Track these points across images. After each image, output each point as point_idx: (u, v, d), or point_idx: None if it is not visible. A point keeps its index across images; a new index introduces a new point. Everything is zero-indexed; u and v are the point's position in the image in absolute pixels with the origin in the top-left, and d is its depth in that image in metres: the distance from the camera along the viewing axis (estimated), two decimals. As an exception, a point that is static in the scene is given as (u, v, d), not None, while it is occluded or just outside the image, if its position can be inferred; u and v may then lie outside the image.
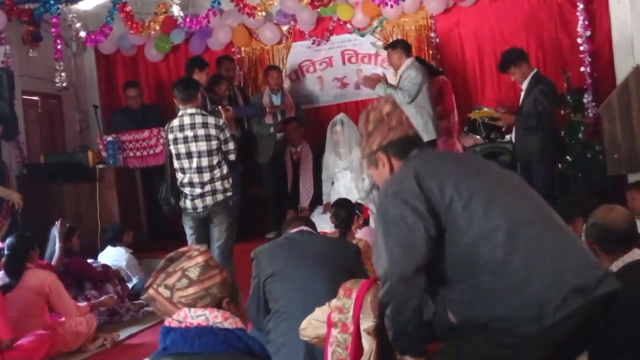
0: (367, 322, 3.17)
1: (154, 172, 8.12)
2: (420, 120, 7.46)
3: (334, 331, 3.31)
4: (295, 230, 4.59)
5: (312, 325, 3.50)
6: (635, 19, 6.73)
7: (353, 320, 3.23)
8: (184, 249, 2.40)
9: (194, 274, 2.26)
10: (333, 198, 7.94)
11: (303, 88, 9.65)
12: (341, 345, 3.28)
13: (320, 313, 3.46)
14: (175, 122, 6.21)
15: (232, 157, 6.37)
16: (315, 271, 4.20)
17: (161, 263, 2.35)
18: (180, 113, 6.23)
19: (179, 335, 2.20)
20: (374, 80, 7.72)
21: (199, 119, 6.15)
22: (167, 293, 2.28)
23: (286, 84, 9.49)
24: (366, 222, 7.16)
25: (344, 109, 9.28)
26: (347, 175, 8.23)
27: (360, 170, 8.18)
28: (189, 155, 6.17)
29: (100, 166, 8.28)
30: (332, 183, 8.37)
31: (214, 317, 2.22)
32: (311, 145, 8.85)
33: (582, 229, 4.91)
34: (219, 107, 6.91)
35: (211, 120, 6.20)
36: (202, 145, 6.15)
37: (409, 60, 7.70)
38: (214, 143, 6.17)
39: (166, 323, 2.26)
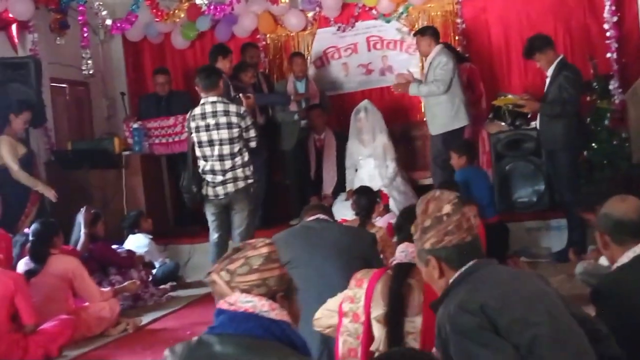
0: (378, 310, 3.18)
1: (180, 159, 8.16)
2: (452, 107, 7.45)
3: (345, 320, 3.32)
4: (312, 218, 4.61)
5: (325, 316, 3.52)
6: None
7: (364, 310, 3.24)
8: (251, 240, 2.49)
9: (256, 262, 2.34)
10: (356, 185, 7.94)
11: (328, 75, 9.64)
12: (352, 334, 3.29)
13: (332, 303, 3.48)
14: (197, 110, 6.25)
15: (253, 144, 6.40)
16: (330, 260, 4.22)
17: (228, 252, 2.43)
18: (202, 101, 6.26)
19: (227, 318, 2.27)
20: (405, 85, 7.68)
21: (220, 107, 6.19)
22: (227, 277, 2.36)
23: (311, 70, 9.49)
24: (387, 209, 7.17)
25: (368, 95, 9.26)
26: (370, 163, 8.23)
27: (383, 158, 8.19)
28: (210, 143, 6.21)
29: (127, 153, 8.36)
30: (356, 170, 8.37)
31: (262, 306, 2.27)
32: (335, 132, 8.86)
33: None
34: (240, 95, 6.91)
35: (232, 108, 6.23)
36: (224, 133, 6.18)
37: (438, 47, 7.65)
38: (236, 131, 6.20)
39: (219, 305, 2.33)
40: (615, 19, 7.26)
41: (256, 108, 8.38)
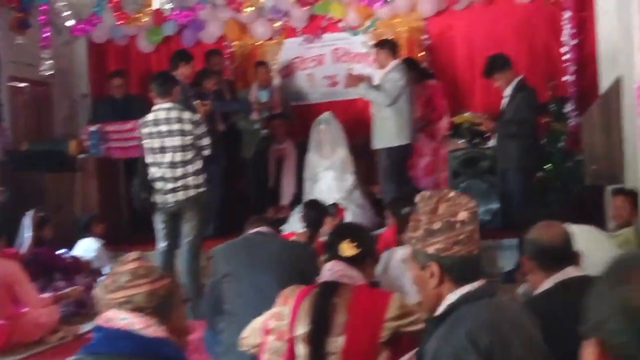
0: (302, 329, 3.15)
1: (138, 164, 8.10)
2: (395, 124, 7.48)
3: (270, 338, 3.29)
4: (253, 230, 4.58)
5: (251, 335, 3.48)
6: (621, 30, 6.66)
7: (289, 328, 3.21)
8: (124, 256, 2.44)
9: (122, 279, 2.30)
10: (315, 197, 7.92)
11: (293, 85, 9.63)
12: (276, 353, 3.25)
13: (258, 321, 3.44)
14: (150, 117, 6.19)
15: (206, 152, 6.35)
16: (269, 274, 4.18)
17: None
18: (156, 107, 6.21)
19: (103, 335, 2.25)
20: (356, 79, 7.70)
21: (174, 114, 6.13)
22: (101, 293, 2.33)
23: (276, 80, 9.46)
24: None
25: (332, 107, 9.22)
26: (329, 175, 8.19)
27: (342, 170, 8.16)
28: (162, 149, 6.15)
29: (83, 156, 8.26)
30: (315, 182, 8.34)
31: (137, 323, 2.24)
32: (298, 143, 8.82)
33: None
34: (197, 102, 6.87)
35: (187, 115, 6.18)
36: (177, 140, 6.13)
37: (395, 62, 7.67)
38: (188, 138, 6.15)
39: (97, 321, 2.30)
40: (574, 42, 7.30)
41: (217, 115, 8.35)
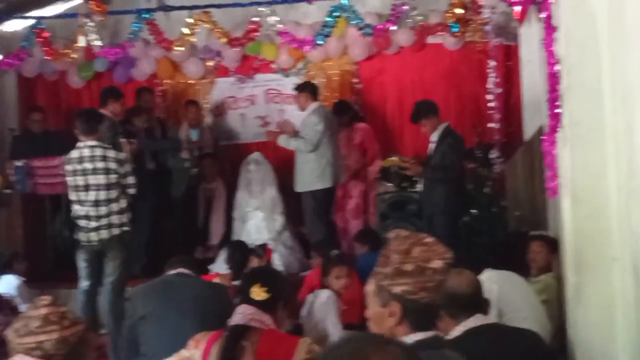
0: (211, 373, 3.14)
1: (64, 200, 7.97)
2: (317, 167, 7.62)
3: (181, 381, 3.27)
4: (173, 272, 4.55)
5: (163, 379, 3.45)
6: (544, 79, 6.85)
7: (199, 372, 3.19)
8: (37, 299, 2.40)
9: (33, 324, 2.26)
10: (244, 237, 7.90)
11: (225, 124, 9.64)
12: (187, 395, 3.24)
13: (168, 365, 3.42)
14: (75, 154, 6.14)
15: (132, 191, 6.31)
16: (186, 316, 4.16)
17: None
18: (80, 144, 6.15)
19: None
20: (276, 134, 7.90)
21: (98, 152, 6.09)
22: (11, 336, 2.28)
23: (208, 119, 9.48)
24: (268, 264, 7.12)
25: (264, 147, 9.24)
26: (258, 215, 8.20)
27: (271, 210, 8.18)
28: (86, 187, 6.10)
29: (7, 191, 8.09)
30: (244, 222, 8.31)
31: None
32: (228, 182, 8.81)
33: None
34: (124, 140, 6.83)
35: (111, 153, 6.14)
36: (101, 179, 6.08)
37: (314, 105, 7.80)
38: (113, 177, 6.11)
39: None
40: (499, 90, 7.50)
41: (147, 153, 8.29)
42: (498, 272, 4.98)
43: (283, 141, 7.78)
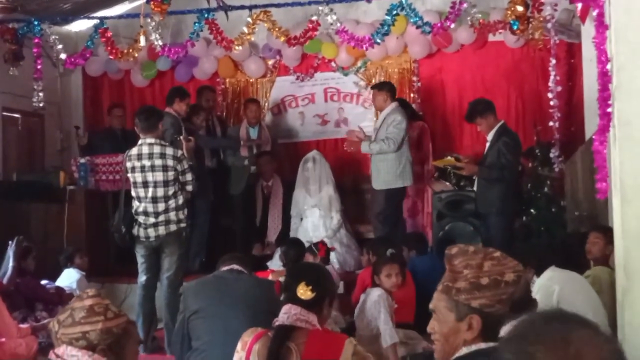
0: (257, 373, 3.16)
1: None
2: (398, 166, 7.53)
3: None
4: (226, 268, 4.60)
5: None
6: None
7: (244, 373, 3.21)
8: (83, 292, 2.46)
9: (78, 315, 2.32)
10: (301, 234, 7.96)
11: (284, 122, 9.71)
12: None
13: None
14: (134, 151, 6.26)
15: (189, 188, 6.40)
16: (237, 311, 4.21)
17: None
18: (139, 142, 6.28)
19: None
20: (357, 143, 7.78)
21: (157, 149, 6.20)
22: (56, 327, 2.34)
23: (268, 117, 9.57)
24: (325, 262, 7.13)
25: (322, 145, 9.33)
26: (315, 213, 8.23)
27: (328, 209, 8.20)
28: (145, 184, 6.21)
29: (71, 187, 8.30)
30: (301, 219, 8.36)
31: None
32: (286, 180, 8.86)
33: (532, 280, 4.91)
34: (181, 137, 6.94)
35: (169, 151, 6.24)
36: (159, 176, 6.19)
37: (393, 104, 7.75)
38: (171, 174, 6.21)
39: (49, 356, 2.32)
40: (559, 88, 7.35)
41: (206, 151, 8.42)
42: (561, 272, 4.93)
43: (366, 148, 7.72)
